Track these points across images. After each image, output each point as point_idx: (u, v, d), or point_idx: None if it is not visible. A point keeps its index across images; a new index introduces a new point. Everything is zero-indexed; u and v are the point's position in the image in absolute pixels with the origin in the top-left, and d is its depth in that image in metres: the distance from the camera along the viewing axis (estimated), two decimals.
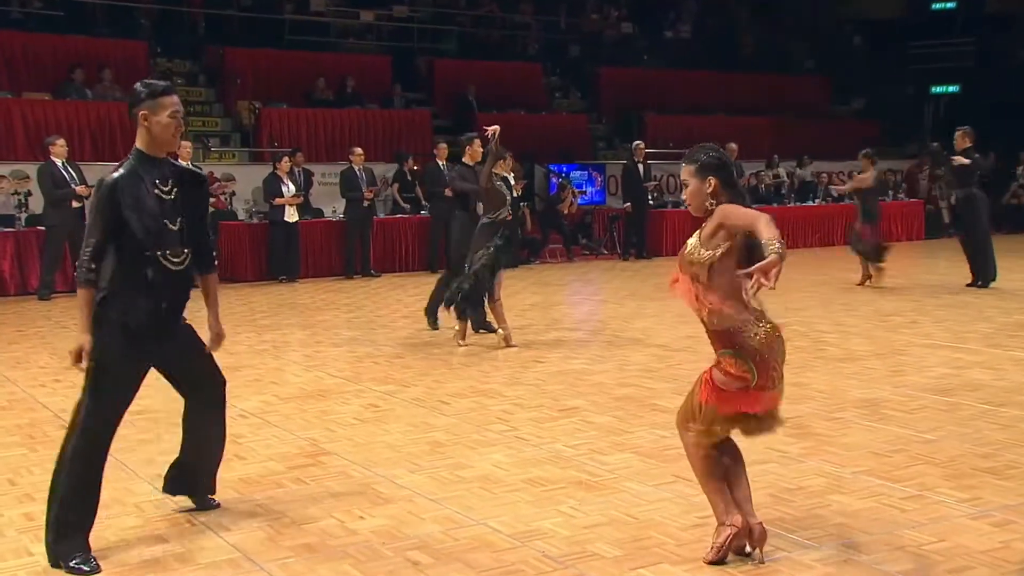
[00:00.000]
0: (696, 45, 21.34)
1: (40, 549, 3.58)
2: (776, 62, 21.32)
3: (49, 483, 3.56)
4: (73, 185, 10.92)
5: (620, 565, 3.45)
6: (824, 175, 18.17)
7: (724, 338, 3.31)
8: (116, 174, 3.47)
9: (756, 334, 3.25)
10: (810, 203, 17.54)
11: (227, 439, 4.04)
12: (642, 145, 15.23)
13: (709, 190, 3.35)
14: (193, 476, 3.98)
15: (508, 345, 7.59)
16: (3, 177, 12.10)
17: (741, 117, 19.12)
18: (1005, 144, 18.83)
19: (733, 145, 15.67)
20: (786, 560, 3.47)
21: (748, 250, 3.26)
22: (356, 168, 13.07)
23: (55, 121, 12.92)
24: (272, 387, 6.39)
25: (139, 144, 3.54)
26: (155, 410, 5.25)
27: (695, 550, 3.54)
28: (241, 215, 13.65)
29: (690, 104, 19.05)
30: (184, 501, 4.07)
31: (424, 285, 12.27)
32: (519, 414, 5.56)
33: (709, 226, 3.34)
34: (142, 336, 3.49)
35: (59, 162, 10.99)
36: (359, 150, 13.23)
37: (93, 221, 3.46)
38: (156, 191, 3.49)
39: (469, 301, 7.50)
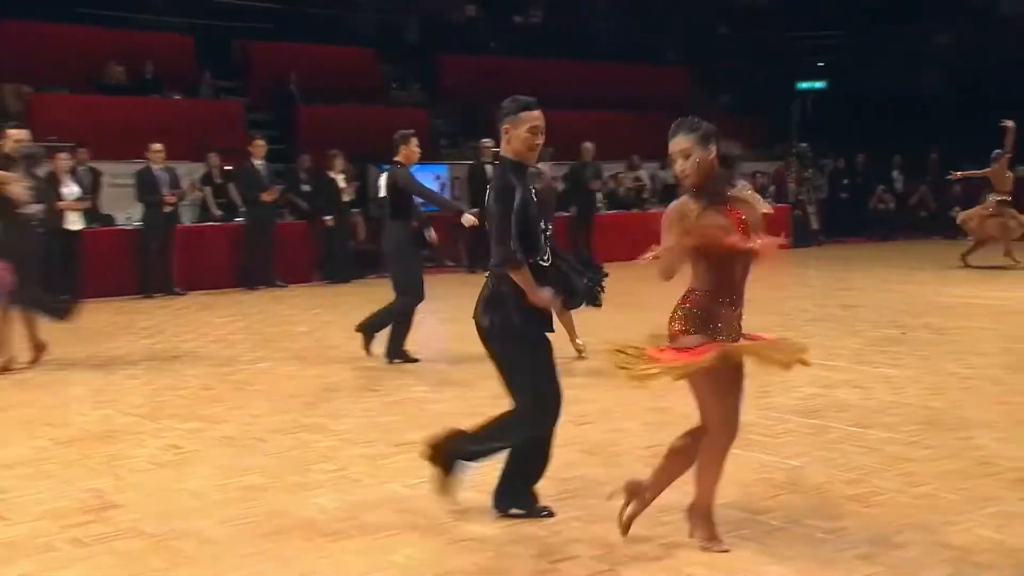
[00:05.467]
0: (547, 31, 21.62)
1: None
2: (638, 52, 21.78)
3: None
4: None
5: None
6: None
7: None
8: (501, 181, 4.35)
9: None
10: None
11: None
12: (490, 143, 15.33)
13: (712, 156, 3.87)
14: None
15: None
16: None
17: (599, 111, 19.30)
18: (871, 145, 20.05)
19: (588, 144, 15.99)
20: None
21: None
22: (155, 168, 12.79)
23: None
24: (47, 429, 6.14)
25: (506, 152, 4.40)
26: None
27: None
28: None
29: (547, 96, 19.26)
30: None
31: (238, 304, 12.02)
32: (346, 450, 5.49)
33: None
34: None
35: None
36: (158, 146, 12.86)
37: (500, 213, 4.31)
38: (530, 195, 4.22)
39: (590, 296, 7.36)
